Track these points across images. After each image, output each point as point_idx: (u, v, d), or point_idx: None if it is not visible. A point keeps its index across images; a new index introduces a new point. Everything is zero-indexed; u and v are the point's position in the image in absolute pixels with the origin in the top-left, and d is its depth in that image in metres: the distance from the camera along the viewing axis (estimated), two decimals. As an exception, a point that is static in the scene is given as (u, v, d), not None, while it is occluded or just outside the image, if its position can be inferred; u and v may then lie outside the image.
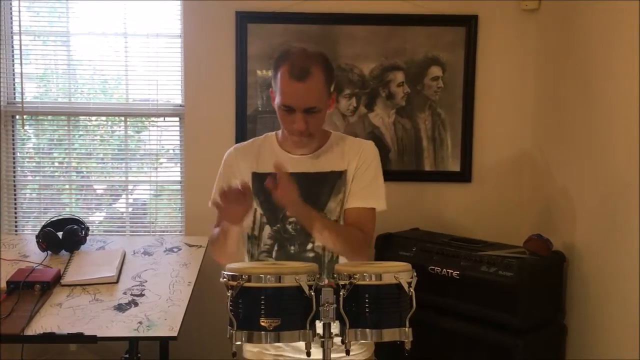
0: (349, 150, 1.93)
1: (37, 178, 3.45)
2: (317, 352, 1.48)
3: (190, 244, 3.04)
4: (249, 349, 1.97)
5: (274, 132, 2.02)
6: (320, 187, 1.90)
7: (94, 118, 3.42)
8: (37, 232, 2.91)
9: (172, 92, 3.33)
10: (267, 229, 1.93)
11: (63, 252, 2.89)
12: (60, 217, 3.03)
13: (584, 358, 2.55)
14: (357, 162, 1.91)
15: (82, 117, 3.38)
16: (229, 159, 2.01)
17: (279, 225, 1.90)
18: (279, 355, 1.91)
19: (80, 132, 3.43)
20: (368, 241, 1.93)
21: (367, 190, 1.90)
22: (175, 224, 3.41)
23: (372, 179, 1.91)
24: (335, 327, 1.48)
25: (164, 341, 2.85)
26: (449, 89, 3.21)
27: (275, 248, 1.92)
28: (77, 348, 3.21)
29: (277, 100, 1.83)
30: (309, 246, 1.89)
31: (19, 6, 3.21)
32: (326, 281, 1.50)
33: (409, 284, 1.49)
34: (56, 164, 3.47)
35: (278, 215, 1.90)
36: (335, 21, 3.16)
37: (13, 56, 3.28)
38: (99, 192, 3.52)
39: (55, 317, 2.39)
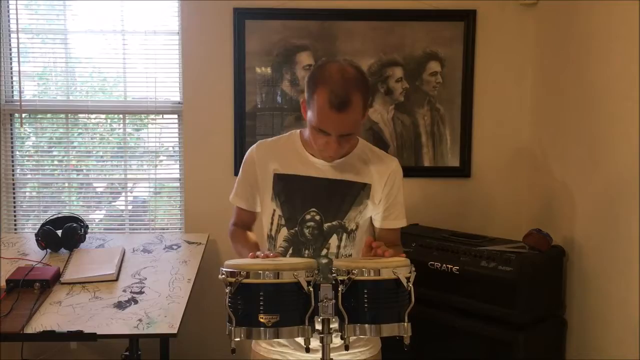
0: (375, 165, 1.93)
1: (37, 176, 3.45)
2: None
3: (190, 241, 3.05)
4: (254, 348, 1.97)
5: (298, 131, 1.98)
6: (344, 196, 1.89)
7: (92, 116, 3.41)
8: (36, 231, 2.91)
9: (170, 90, 3.33)
10: (284, 231, 1.91)
11: (62, 250, 2.90)
12: (59, 216, 3.03)
13: (584, 352, 2.55)
14: (386, 184, 1.92)
15: (81, 115, 3.38)
16: (252, 155, 1.97)
17: (296, 228, 1.89)
18: (285, 353, 1.91)
19: (80, 130, 3.43)
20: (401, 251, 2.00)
21: (400, 211, 1.97)
22: (174, 221, 3.41)
23: (401, 200, 1.97)
24: (334, 323, 1.48)
25: (164, 338, 2.85)
26: (447, 85, 3.21)
27: (290, 251, 1.90)
28: (77, 346, 3.21)
29: (311, 119, 1.77)
30: (324, 252, 1.89)
31: (17, 4, 3.21)
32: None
33: (408, 279, 1.49)
34: (55, 162, 3.47)
35: (297, 218, 1.88)
36: (334, 17, 3.16)
37: (11, 54, 3.28)
38: (98, 190, 3.53)
39: (55, 315, 2.39)
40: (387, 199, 1.93)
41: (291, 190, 1.89)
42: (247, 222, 2.05)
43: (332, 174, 1.89)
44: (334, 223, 1.88)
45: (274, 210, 1.91)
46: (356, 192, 1.89)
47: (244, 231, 2.03)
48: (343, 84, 1.70)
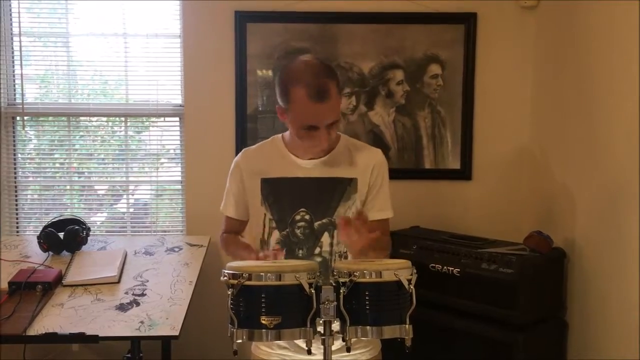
0: (359, 158, 1.95)
1: (39, 179, 3.45)
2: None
3: (192, 243, 3.05)
4: (254, 350, 1.98)
5: (280, 135, 2.01)
6: (331, 193, 1.91)
7: (94, 119, 3.42)
8: (38, 233, 2.92)
9: (172, 92, 3.34)
10: (276, 234, 1.93)
11: (64, 252, 2.90)
12: (61, 218, 3.04)
13: (585, 353, 2.55)
14: (372, 174, 1.94)
15: (82, 118, 3.39)
16: (237, 164, 2.00)
17: (287, 230, 1.91)
18: (285, 355, 1.91)
19: (81, 133, 3.44)
20: (390, 244, 2.02)
21: (385, 202, 1.97)
22: (176, 223, 3.42)
23: (386, 191, 1.97)
24: (335, 325, 1.48)
25: (166, 340, 2.85)
26: (448, 87, 3.22)
27: (283, 252, 1.90)
28: (79, 348, 3.22)
29: (294, 120, 1.80)
30: (317, 250, 1.90)
31: (19, 7, 3.22)
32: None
33: (409, 281, 1.49)
34: (57, 165, 3.48)
35: (287, 220, 1.90)
36: (334, 20, 3.17)
37: (13, 57, 3.29)
38: (100, 192, 3.53)
39: (57, 317, 2.39)
40: (372, 190, 1.94)
41: (279, 193, 1.92)
42: (237, 230, 2.08)
43: (318, 173, 1.92)
44: (324, 221, 1.90)
45: (265, 214, 1.93)
46: (343, 188, 1.91)
47: (236, 236, 2.06)
48: (315, 76, 1.75)
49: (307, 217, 1.89)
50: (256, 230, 1.98)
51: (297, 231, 1.90)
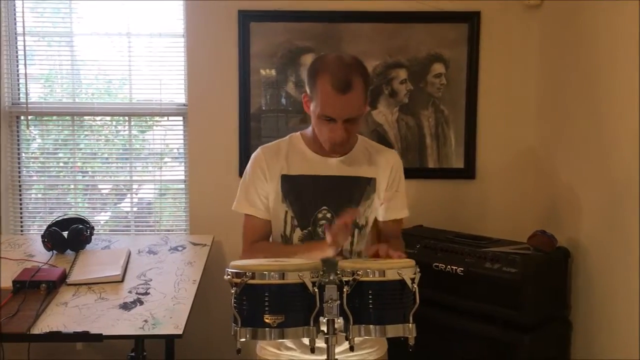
0: (377, 159, 1.97)
1: (43, 178, 3.46)
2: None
3: (195, 242, 3.06)
4: (259, 352, 1.98)
5: (297, 133, 1.99)
6: (352, 192, 1.92)
7: (98, 118, 3.43)
8: (42, 232, 2.93)
9: (175, 92, 3.34)
10: (298, 232, 1.91)
11: (68, 251, 2.91)
12: (65, 217, 3.04)
13: (589, 353, 2.55)
14: (390, 175, 1.96)
15: (86, 118, 3.40)
16: (257, 160, 1.94)
17: (310, 228, 1.90)
18: (292, 356, 1.91)
19: (85, 133, 3.45)
20: (403, 245, 2.07)
21: (402, 202, 2.01)
22: (179, 223, 3.42)
23: (403, 191, 2.00)
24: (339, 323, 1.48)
25: (169, 339, 2.86)
26: (452, 86, 3.21)
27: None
28: (83, 347, 3.23)
29: (315, 108, 1.80)
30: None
31: (23, 7, 3.23)
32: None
33: (412, 280, 1.49)
34: (61, 164, 3.48)
35: (309, 218, 1.90)
36: (338, 19, 3.17)
37: (17, 57, 3.30)
38: (104, 192, 3.54)
39: (61, 316, 2.40)
40: (390, 190, 1.96)
41: (300, 191, 1.91)
42: (266, 233, 1.97)
43: (339, 171, 1.92)
44: None
45: (286, 212, 1.92)
46: (363, 188, 1.92)
47: (269, 242, 1.97)
48: (343, 67, 1.77)
49: (328, 215, 1.89)
50: (276, 227, 1.95)
51: (319, 229, 1.89)
